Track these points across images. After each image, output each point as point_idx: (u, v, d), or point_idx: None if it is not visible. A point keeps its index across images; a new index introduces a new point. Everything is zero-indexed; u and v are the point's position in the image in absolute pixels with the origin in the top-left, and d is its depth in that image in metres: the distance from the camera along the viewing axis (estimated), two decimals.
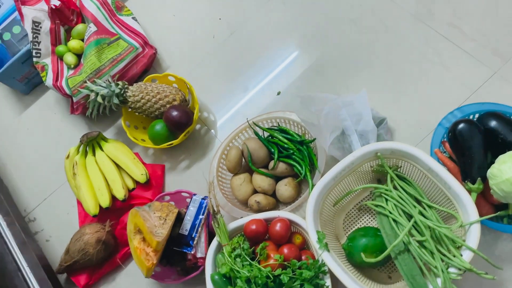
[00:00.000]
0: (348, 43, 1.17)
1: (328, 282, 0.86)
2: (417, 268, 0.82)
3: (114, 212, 1.12)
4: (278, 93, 1.17)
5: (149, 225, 0.91)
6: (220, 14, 1.31)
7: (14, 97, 1.40)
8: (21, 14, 1.25)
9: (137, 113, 1.20)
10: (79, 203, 1.18)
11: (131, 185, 1.12)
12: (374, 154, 0.91)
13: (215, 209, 0.96)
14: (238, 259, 0.89)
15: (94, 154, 1.16)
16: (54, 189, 1.24)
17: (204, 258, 0.96)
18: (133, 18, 1.29)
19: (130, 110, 1.18)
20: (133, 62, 1.22)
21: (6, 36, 1.29)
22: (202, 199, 1.01)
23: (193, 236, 0.97)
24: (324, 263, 0.86)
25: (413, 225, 0.86)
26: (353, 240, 0.90)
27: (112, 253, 1.08)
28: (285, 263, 0.87)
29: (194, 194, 1.02)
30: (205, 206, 0.99)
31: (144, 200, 1.10)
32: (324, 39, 1.19)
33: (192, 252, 0.96)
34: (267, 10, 1.27)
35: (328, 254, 0.86)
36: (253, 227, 0.93)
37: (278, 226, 0.92)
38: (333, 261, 0.85)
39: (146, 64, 1.25)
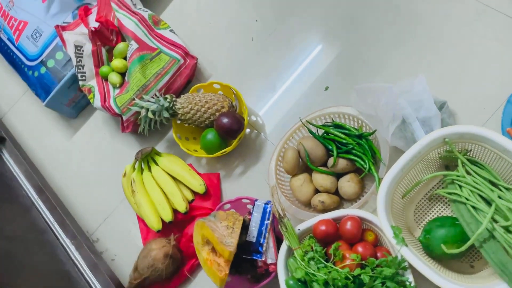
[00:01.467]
0: (390, 27, 1.13)
1: (410, 278, 0.83)
2: (506, 255, 0.78)
3: (176, 225, 1.12)
4: (326, 88, 1.14)
5: (218, 235, 0.91)
6: (256, 16, 1.29)
7: (63, 122, 1.43)
8: (62, 40, 1.27)
9: (186, 125, 1.20)
10: (140, 219, 1.19)
11: (189, 196, 1.12)
12: (441, 140, 0.87)
13: (281, 213, 0.94)
14: (312, 262, 0.87)
15: (150, 170, 1.17)
16: (113, 208, 1.25)
17: (274, 264, 0.94)
18: (171, 30, 1.29)
19: (179, 122, 1.18)
20: (177, 74, 1.22)
21: (50, 63, 1.31)
22: (265, 204, 0.99)
23: (261, 242, 0.95)
24: (403, 258, 0.83)
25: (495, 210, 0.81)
26: (429, 232, 0.86)
27: (179, 267, 1.09)
28: (363, 262, 0.84)
29: (256, 200, 1.00)
30: (269, 211, 0.98)
31: (204, 211, 1.10)
32: (362, 26, 1.15)
33: (263, 259, 0.94)
34: (304, 6, 1.25)
35: (407, 249, 0.82)
36: (323, 228, 0.90)
37: (349, 225, 0.89)
38: (413, 256, 0.81)
39: (189, 75, 1.25)
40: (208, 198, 1.11)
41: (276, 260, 0.94)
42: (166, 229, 1.11)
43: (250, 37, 1.28)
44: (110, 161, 1.31)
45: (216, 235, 0.91)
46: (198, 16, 1.37)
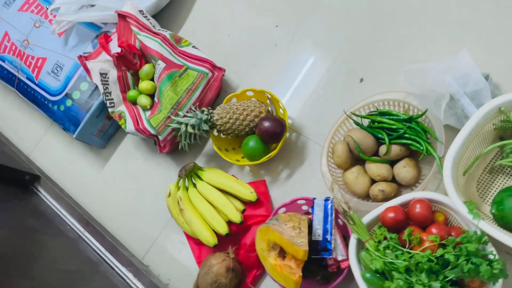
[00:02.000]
0: (411, 6, 1.14)
1: (494, 251, 0.81)
2: None
3: (230, 237, 1.09)
4: (361, 80, 1.14)
5: (287, 237, 0.88)
6: (275, 22, 1.30)
7: (91, 154, 1.40)
8: (87, 69, 1.26)
9: (223, 135, 1.19)
10: (190, 238, 1.16)
11: (240, 206, 1.10)
12: (497, 110, 0.87)
13: (344, 207, 0.92)
14: (388, 251, 0.85)
15: (194, 186, 1.15)
16: (159, 231, 1.22)
17: (346, 260, 0.92)
18: (193, 46, 1.28)
19: (217, 133, 1.17)
20: (207, 87, 1.22)
21: (76, 95, 1.30)
22: (325, 200, 0.97)
23: (328, 239, 0.93)
24: (483, 233, 0.81)
25: None
26: (501, 203, 0.84)
27: (241, 280, 1.05)
28: (443, 242, 0.82)
29: (314, 198, 0.98)
30: (331, 207, 0.96)
31: (259, 218, 1.07)
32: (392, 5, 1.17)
33: (333, 256, 0.92)
34: (321, 7, 1.25)
35: (484, 222, 0.81)
36: (391, 215, 0.88)
37: (418, 208, 0.87)
38: (493, 228, 0.80)
39: (219, 87, 1.24)
40: (259, 206, 1.09)
41: (347, 255, 0.92)
42: (220, 243, 1.08)
43: (273, 43, 1.28)
44: (148, 184, 1.29)
45: (285, 237, 0.88)
46: (216, 30, 1.38)
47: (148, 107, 1.25)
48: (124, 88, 1.28)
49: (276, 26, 1.30)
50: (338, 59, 1.19)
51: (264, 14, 1.33)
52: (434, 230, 0.86)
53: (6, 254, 0.89)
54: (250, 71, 1.29)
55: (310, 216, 0.98)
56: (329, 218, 0.95)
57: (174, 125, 1.13)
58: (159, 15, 1.41)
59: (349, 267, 0.91)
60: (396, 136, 0.98)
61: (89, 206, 1.30)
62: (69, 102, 1.30)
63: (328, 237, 0.93)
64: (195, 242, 1.15)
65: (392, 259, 0.83)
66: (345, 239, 0.97)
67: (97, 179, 1.36)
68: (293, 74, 1.23)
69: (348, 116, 1.04)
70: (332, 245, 0.93)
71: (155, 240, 1.22)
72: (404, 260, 0.82)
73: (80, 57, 1.26)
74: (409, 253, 0.83)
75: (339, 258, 0.92)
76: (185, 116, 1.14)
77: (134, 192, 1.30)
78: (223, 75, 1.25)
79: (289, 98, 1.21)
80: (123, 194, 1.31)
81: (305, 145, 1.15)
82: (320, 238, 0.94)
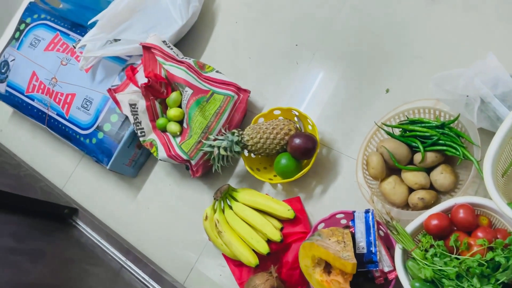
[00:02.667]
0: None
1: None
2: None
3: (270, 256, 1.09)
4: (387, 91, 1.16)
5: (333, 251, 0.88)
6: (294, 41, 1.33)
7: (123, 184, 1.43)
8: (117, 101, 1.30)
9: (254, 155, 1.21)
10: (229, 260, 1.17)
11: (278, 225, 1.10)
12: None
13: (386, 218, 0.92)
14: (436, 258, 0.84)
15: (230, 207, 1.16)
16: (197, 255, 1.23)
17: (393, 271, 0.91)
18: (217, 71, 1.32)
19: (248, 154, 1.19)
20: (234, 109, 1.24)
21: (107, 127, 1.33)
22: (365, 213, 0.97)
23: (373, 251, 0.93)
24: None
25: None
26: None
27: None
28: (491, 245, 0.82)
29: (354, 212, 0.99)
30: (372, 218, 0.96)
31: (299, 235, 1.08)
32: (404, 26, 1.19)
33: (380, 268, 0.92)
34: (340, 22, 1.28)
35: None
36: (435, 222, 0.88)
37: (462, 213, 0.87)
38: None
39: (245, 108, 1.27)
40: (297, 223, 1.10)
41: (393, 266, 0.91)
42: (260, 262, 1.08)
43: (294, 61, 1.31)
44: (182, 210, 1.30)
45: (331, 252, 0.88)
46: (237, 53, 1.41)
47: (178, 133, 1.28)
48: (153, 117, 1.31)
49: (296, 45, 1.33)
50: (362, 72, 1.21)
51: (281, 35, 1.36)
52: (480, 234, 0.85)
53: (54, 286, 0.90)
54: (274, 90, 1.31)
55: (351, 230, 0.98)
56: (371, 230, 0.95)
57: (207, 149, 1.15)
58: (181, 43, 1.46)
59: (396, 278, 0.91)
60: (431, 143, 0.99)
61: (126, 235, 1.32)
62: (100, 135, 1.33)
63: (373, 249, 0.93)
64: (235, 263, 1.16)
65: (441, 266, 0.83)
66: (388, 250, 0.96)
67: (131, 208, 1.38)
68: (318, 90, 1.25)
69: (379, 127, 1.05)
70: (378, 257, 0.92)
71: (194, 265, 1.23)
72: (454, 266, 0.82)
73: (109, 90, 1.30)
74: (458, 259, 0.83)
75: (386, 269, 0.92)
76: (216, 139, 1.16)
77: (168, 218, 1.32)
78: (248, 96, 1.28)
79: (315, 113, 1.23)
80: (158, 221, 1.33)
81: (337, 159, 1.16)
82: (365, 251, 0.94)
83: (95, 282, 1.01)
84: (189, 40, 1.47)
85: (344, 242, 0.90)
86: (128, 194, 1.41)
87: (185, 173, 1.34)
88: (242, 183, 1.25)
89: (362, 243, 0.94)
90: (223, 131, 1.18)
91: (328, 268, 0.94)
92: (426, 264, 0.85)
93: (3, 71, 1.60)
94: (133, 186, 1.41)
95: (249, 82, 1.34)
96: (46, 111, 1.46)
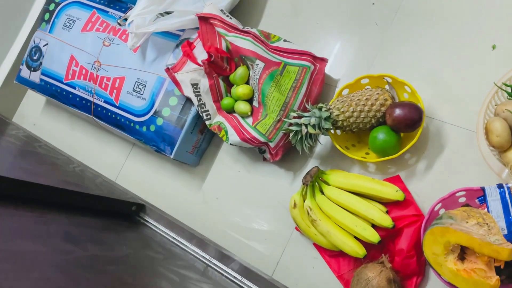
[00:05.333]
0: None
1: None
2: None
3: (374, 245, 0.96)
4: (494, 47, 1.00)
5: (478, 236, 0.75)
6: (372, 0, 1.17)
7: (184, 173, 1.30)
8: (177, 82, 1.15)
9: (340, 132, 1.07)
10: (322, 251, 1.04)
11: (383, 209, 0.97)
12: None
13: None
14: None
15: (321, 192, 1.03)
16: (283, 247, 1.10)
17: None
18: (284, 40, 1.16)
19: (336, 130, 1.05)
20: (311, 82, 1.10)
21: (166, 112, 1.19)
22: (498, 188, 0.84)
23: None
24: None
25: None
26: None
27: None
28: None
29: (483, 188, 0.85)
30: (509, 194, 0.82)
31: (411, 219, 0.94)
32: None
33: None
34: None
35: None
36: None
37: None
38: None
39: (323, 80, 1.12)
40: (406, 205, 0.96)
41: None
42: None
43: (373, 22, 1.15)
44: (257, 198, 1.17)
45: (476, 237, 0.75)
46: (301, 19, 1.25)
47: (249, 113, 1.14)
48: (217, 97, 1.17)
49: (373, 4, 1.17)
50: (458, 28, 1.06)
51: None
52: None
53: (131, 284, 0.78)
54: (350, 58, 1.16)
55: (481, 208, 0.85)
56: (511, 208, 0.81)
57: (293, 128, 1.01)
58: (234, 13, 1.30)
59: None
60: None
61: (202, 230, 1.19)
62: (159, 121, 1.19)
63: None
64: (330, 254, 1.03)
65: None
66: None
67: (198, 200, 1.25)
68: (406, 52, 1.10)
69: (499, 88, 0.91)
70: None
71: (280, 258, 1.10)
72: None
73: (167, 69, 1.15)
74: None
75: None
76: (301, 116, 1.02)
77: (242, 208, 1.19)
78: (325, 65, 1.13)
79: (409, 79, 1.07)
80: (231, 212, 1.20)
81: (441, 130, 1.02)
82: (505, 232, 0.80)
83: (182, 284, 0.88)
84: (243, 8, 1.31)
85: (487, 224, 0.77)
86: (192, 184, 1.27)
87: (255, 158, 1.21)
88: (324, 165, 1.12)
89: (501, 223, 0.81)
90: (308, 106, 1.04)
91: (460, 255, 0.81)
92: None
93: (35, 58, 1.45)
94: (196, 175, 1.28)
95: (319, 50, 1.19)
96: (91, 99, 1.32)
